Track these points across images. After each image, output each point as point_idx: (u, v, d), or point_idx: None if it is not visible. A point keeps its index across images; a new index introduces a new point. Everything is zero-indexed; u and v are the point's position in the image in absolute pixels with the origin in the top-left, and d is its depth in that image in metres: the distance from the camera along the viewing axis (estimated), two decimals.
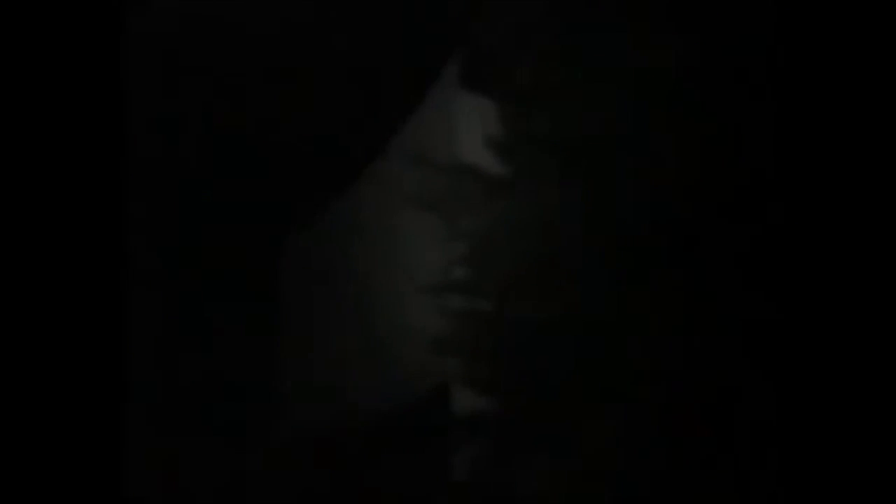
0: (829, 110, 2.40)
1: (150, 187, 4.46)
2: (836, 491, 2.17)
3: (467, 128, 3.80)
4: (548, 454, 2.94)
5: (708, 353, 2.70)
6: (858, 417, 2.19)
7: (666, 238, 2.85)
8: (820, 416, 2.23)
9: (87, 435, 2.26)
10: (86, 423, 2.26)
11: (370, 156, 4.39)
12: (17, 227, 2.26)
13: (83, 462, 2.25)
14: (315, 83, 4.35)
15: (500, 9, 3.41)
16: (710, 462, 2.65)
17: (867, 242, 2.29)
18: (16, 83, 2.29)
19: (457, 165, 3.44)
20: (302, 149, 4.58)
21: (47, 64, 2.32)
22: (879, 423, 2.17)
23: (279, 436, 4.95)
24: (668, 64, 2.86)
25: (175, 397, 4.81)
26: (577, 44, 3.08)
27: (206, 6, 4.18)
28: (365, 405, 4.52)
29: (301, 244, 5.24)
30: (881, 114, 2.33)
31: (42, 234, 2.28)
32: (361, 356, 4.62)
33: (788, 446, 2.32)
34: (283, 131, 4.46)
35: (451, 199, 3.36)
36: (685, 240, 2.82)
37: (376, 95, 4.33)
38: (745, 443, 2.56)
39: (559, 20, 3.09)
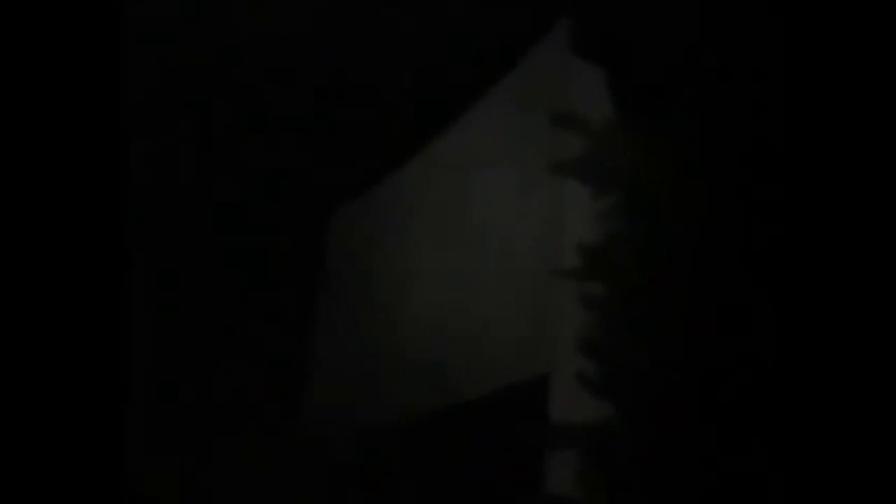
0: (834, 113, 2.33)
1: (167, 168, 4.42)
2: (836, 491, 2.13)
3: (579, 96, 3.24)
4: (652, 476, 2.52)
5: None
6: (859, 418, 2.14)
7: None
8: (820, 416, 2.18)
9: (88, 436, 2.25)
10: (88, 423, 2.26)
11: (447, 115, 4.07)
12: (16, 227, 2.26)
13: (84, 463, 2.25)
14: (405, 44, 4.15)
15: None
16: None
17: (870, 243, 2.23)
18: (14, 82, 2.29)
19: (611, 127, 2.81)
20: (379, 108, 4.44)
21: (45, 62, 2.31)
22: (880, 424, 2.12)
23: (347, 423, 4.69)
24: None
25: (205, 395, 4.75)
26: None
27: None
28: (442, 394, 3.98)
29: (376, 207, 4.90)
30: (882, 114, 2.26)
31: (41, 233, 2.28)
32: (446, 335, 4.06)
33: (789, 446, 2.27)
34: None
35: (618, 168, 2.76)
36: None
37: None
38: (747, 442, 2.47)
39: None
